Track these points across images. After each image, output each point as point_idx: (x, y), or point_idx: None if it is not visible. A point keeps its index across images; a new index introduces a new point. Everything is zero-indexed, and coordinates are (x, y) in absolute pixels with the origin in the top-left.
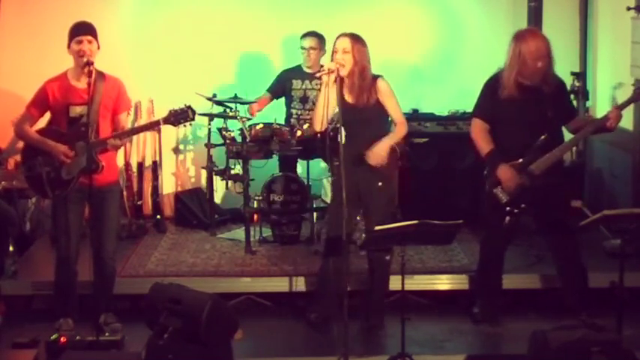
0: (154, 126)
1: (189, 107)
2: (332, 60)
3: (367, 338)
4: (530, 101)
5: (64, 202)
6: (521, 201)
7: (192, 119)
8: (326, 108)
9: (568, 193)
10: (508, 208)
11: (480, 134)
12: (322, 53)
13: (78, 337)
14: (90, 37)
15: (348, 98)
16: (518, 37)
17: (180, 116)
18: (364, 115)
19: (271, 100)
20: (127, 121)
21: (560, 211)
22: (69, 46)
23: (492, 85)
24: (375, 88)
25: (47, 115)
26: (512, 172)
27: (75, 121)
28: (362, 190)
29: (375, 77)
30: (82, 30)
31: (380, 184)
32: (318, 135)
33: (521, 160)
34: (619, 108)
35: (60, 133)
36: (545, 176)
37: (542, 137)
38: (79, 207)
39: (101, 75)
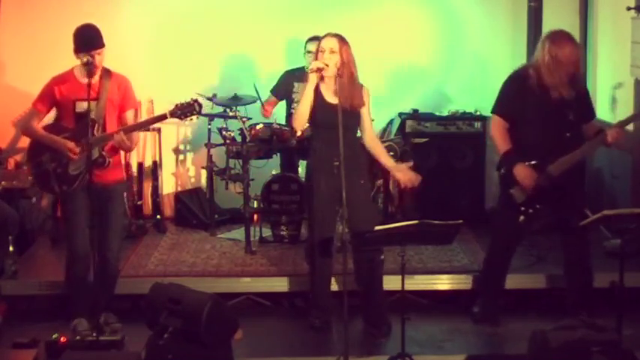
0: (160, 119)
1: (195, 100)
2: (317, 59)
3: (367, 338)
4: (553, 103)
5: (72, 200)
6: (537, 202)
7: (199, 112)
8: (310, 107)
9: (585, 194)
10: (523, 208)
11: (499, 132)
12: None
13: (78, 337)
14: (100, 50)
15: (333, 101)
16: (554, 41)
17: (187, 109)
18: (350, 119)
19: (277, 102)
20: (133, 119)
21: (576, 212)
22: (76, 53)
23: (517, 82)
24: (363, 95)
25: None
26: (529, 171)
27: (82, 117)
28: (347, 191)
29: (361, 84)
30: (93, 45)
31: (362, 181)
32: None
33: (534, 162)
34: (618, 126)
35: (66, 129)
36: (564, 176)
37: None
38: (86, 205)
39: (108, 72)
